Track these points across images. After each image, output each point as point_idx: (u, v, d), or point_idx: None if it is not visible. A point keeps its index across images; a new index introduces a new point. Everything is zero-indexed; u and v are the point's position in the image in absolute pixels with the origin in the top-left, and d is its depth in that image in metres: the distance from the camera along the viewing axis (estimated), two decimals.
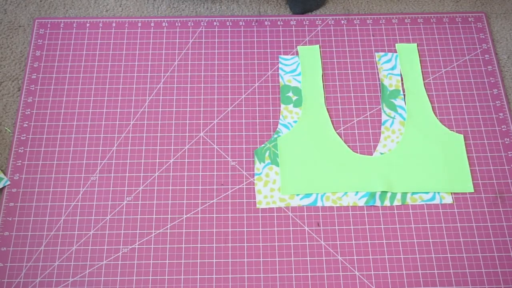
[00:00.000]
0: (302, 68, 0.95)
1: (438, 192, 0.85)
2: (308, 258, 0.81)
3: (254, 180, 0.86)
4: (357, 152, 0.88)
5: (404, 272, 0.80)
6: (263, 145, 0.88)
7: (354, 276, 0.80)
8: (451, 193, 0.85)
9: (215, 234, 0.83)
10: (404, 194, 0.85)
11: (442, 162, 0.87)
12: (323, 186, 0.85)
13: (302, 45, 0.97)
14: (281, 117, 0.91)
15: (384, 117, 0.91)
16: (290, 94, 0.93)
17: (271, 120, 0.91)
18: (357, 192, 0.85)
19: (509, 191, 0.86)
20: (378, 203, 0.84)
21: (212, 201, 0.85)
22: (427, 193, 0.85)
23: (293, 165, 0.87)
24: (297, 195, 0.85)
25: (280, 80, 0.94)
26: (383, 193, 0.85)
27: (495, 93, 0.94)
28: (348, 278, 0.80)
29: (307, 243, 0.82)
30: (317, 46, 0.97)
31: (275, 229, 0.83)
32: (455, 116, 0.92)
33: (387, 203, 0.84)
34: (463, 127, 0.91)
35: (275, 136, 0.89)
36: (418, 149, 0.88)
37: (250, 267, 0.80)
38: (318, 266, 0.80)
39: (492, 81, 0.95)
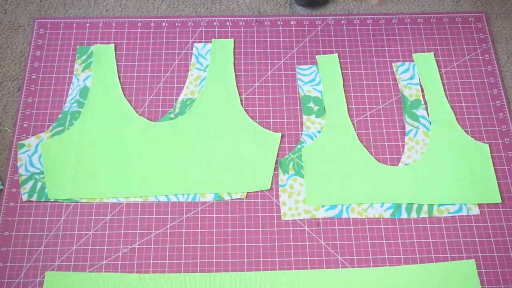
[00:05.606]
0: (322, 78, 0.94)
1: (465, 204, 0.84)
2: (308, 258, 0.81)
3: (278, 192, 0.85)
4: (381, 162, 0.87)
5: None
6: (286, 156, 0.87)
7: None
8: (478, 204, 0.84)
9: (215, 234, 0.83)
10: (430, 206, 0.84)
11: (468, 172, 0.85)
12: (349, 197, 0.84)
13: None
14: (304, 128, 0.90)
15: (407, 128, 0.90)
16: (311, 104, 0.92)
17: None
18: (382, 203, 0.84)
19: (508, 191, 0.86)
20: (404, 215, 0.83)
21: (212, 201, 0.85)
22: (453, 204, 0.84)
23: (318, 175, 0.85)
24: (322, 206, 0.84)
25: (300, 90, 0.93)
26: (409, 205, 0.84)
27: (495, 93, 0.94)
28: None
29: (307, 243, 0.82)
30: (336, 55, 0.96)
31: (275, 229, 0.83)
32: (455, 116, 0.91)
33: (413, 215, 0.83)
34: (463, 127, 0.91)
35: (299, 146, 0.88)
36: (444, 160, 0.86)
37: (250, 267, 0.80)
38: (318, 266, 0.80)
39: (492, 81, 0.95)
